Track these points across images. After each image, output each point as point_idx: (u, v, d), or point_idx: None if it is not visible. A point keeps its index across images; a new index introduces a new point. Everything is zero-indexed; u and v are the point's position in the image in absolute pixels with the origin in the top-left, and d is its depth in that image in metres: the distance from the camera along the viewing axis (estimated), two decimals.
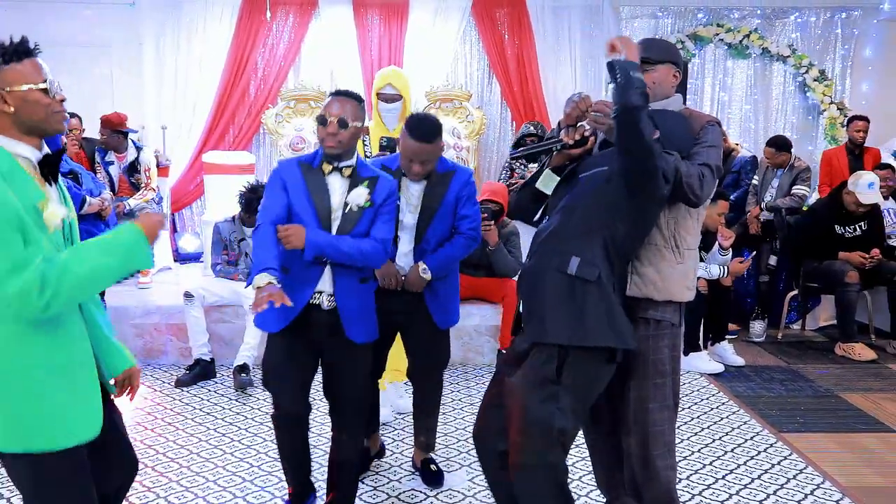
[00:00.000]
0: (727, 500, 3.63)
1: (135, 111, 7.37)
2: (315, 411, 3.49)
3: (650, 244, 2.81)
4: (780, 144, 7.11)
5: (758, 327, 6.66)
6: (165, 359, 5.83)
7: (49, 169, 2.16)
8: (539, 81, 8.17)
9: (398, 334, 3.80)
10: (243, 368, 5.21)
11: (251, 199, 5.26)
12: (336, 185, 3.13)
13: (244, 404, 4.94)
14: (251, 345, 5.26)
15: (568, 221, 2.65)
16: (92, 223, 4.78)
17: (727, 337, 6.06)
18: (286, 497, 3.46)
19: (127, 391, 2.41)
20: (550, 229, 2.69)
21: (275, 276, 2.86)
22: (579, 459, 3.98)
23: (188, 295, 5.46)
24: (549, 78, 8.22)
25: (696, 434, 4.45)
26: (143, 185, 6.70)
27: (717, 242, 5.78)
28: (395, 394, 4.78)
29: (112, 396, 2.37)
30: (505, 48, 8.25)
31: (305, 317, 3.09)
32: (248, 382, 5.16)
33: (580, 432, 2.92)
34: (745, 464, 4.05)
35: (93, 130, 6.83)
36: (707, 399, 5.07)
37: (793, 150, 7.27)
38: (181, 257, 8.09)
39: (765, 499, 3.65)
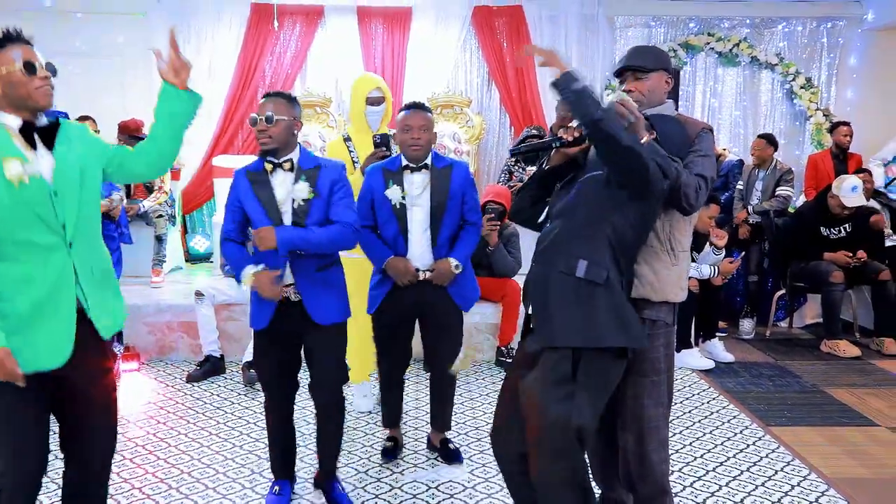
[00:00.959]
0: (717, 490, 3.64)
1: (147, 117, 7.35)
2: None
3: (646, 246, 2.80)
4: (771, 139, 7.14)
5: (747, 325, 6.67)
6: (177, 355, 5.84)
7: (28, 135, 2.38)
8: (537, 88, 8.17)
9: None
10: (251, 365, 5.22)
11: None
12: (280, 180, 3.19)
13: (252, 399, 4.94)
14: None
15: (571, 224, 2.59)
16: (103, 224, 4.77)
17: (717, 334, 6.07)
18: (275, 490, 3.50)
19: None
20: (554, 233, 2.63)
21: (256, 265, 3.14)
22: None
23: (199, 294, 5.47)
24: (546, 84, 8.17)
25: (687, 428, 4.45)
26: (156, 188, 6.71)
27: (708, 243, 5.79)
28: (360, 392, 4.73)
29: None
30: (504, 56, 8.25)
31: (280, 311, 3.23)
32: (256, 378, 5.17)
33: None
34: (734, 456, 4.05)
35: (106, 136, 6.83)
36: (698, 394, 5.08)
37: (778, 152, 7.29)
38: (192, 257, 8.09)
39: (753, 489, 3.65)
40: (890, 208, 7.24)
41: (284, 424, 3.48)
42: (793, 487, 3.68)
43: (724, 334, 6.41)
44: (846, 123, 7.53)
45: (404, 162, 3.66)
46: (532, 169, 7.31)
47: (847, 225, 6.45)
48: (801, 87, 8.37)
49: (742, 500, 3.54)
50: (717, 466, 3.92)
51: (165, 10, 8.07)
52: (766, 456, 4.07)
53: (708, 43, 8.37)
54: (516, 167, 7.23)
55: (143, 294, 6.15)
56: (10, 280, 2.36)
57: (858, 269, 6.35)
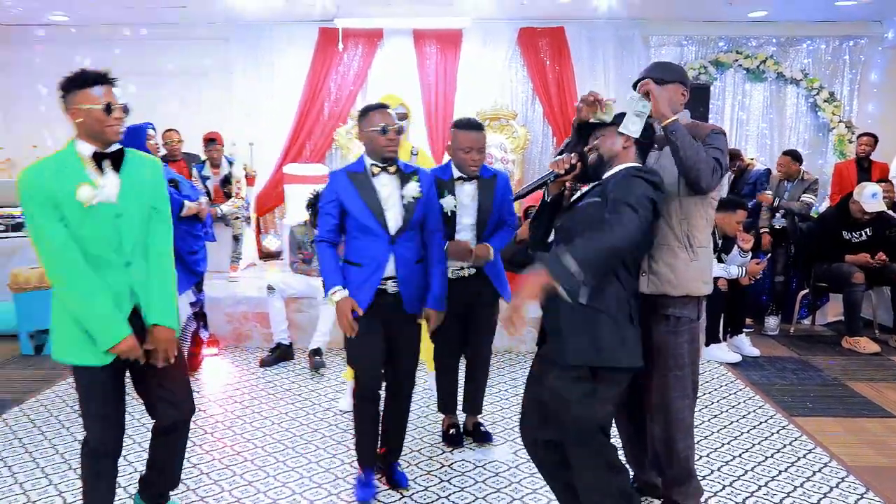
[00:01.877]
0: (743, 475, 3.57)
1: (224, 130, 7.52)
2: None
3: (663, 245, 2.77)
4: (795, 155, 7.00)
5: (772, 322, 6.55)
6: (251, 343, 5.93)
7: (100, 161, 2.51)
8: (577, 102, 8.10)
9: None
10: (317, 352, 5.28)
11: (317, 205, 5.32)
12: (384, 182, 3.17)
13: (318, 382, 5.00)
14: (323, 332, 5.31)
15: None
16: (191, 224, 4.88)
17: (744, 330, 5.96)
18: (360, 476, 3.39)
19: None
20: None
21: (343, 287, 3.10)
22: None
23: (270, 288, 5.55)
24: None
25: (715, 416, 4.38)
26: (233, 194, 6.83)
27: (736, 246, 5.71)
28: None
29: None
30: (547, 73, 8.22)
31: (376, 301, 3.14)
32: (321, 364, 5.24)
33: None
34: (758, 444, 3.97)
35: (190, 146, 6.98)
36: (726, 386, 4.99)
37: (803, 163, 7.14)
38: (265, 255, 8.21)
39: (776, 475, 3.58)
40: None
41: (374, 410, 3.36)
42: (814, 474, 3.60)
43: (750, 330, 6.29)
44: (868, 134, 7.35)
45: (456, 173, 3.66)
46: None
47: (868, 229, 6.33)
48: (825, 101, 8.21)
49: (766, 485, 3.47)
50: (742, 453, 3.85)
51: (244, 34, 8.22)
52: (789, 444, 3.98)
53: (736, 60, 8.25)
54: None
55: (222, 287, 6.26)
56: (95, 283, 2.50)
57: (878, 270, 6.23)
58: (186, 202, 5.09)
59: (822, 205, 7.66)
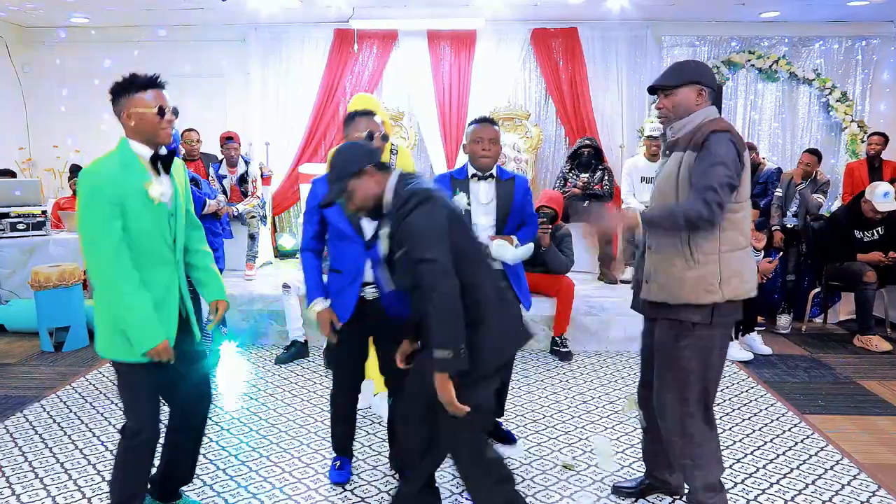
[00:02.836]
0: (755, 472, 3.55)
1: (242, 130, 7.55)
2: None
3: (661, 253, 2.76)
4: (819, 154, 7.01)
5: (784, 320, 6.50)
6: (267, 340, 5.95)
7: (157, 163, 2.60)
8: (590, 102, 8.09)
9: None
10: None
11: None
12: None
13: (331, 379, 4.99)
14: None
15: None
16: (210, 222, 4.92)
17: (756, 329, 5.92)
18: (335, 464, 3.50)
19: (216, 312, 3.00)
20: None
21: (325, 298, 3.19)
22: (623, 435, 3.94)
23: (286, 286, 5.56)
24: (599, 99, 8.13)
25: (727, 414, 4.35)
26: (250, 192, 6.85)
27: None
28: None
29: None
30: (560, 73, 8.18)
31: (358, 307, 3.18)
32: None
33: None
34: (771, 441, 3.95)
35: (208, 146, 7.00)
36: (738, 384, 4.96)
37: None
38: (280, 254, 8.23)
39: (789, 472, 3.55)
40: None
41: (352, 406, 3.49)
42: (826, 471, 3.57)
43: (762, 329, 6.25)
44: (878, 133, 7.30)
45: (471, 171, 3.65)
46: (585, 176, 7.26)
47: (879, 228, 6.29)
48: (837, 101, 8.13)
49: (778, 482, 3.45)
50: (754, 450, 3.82)
51: (261, 36, 8.25)
52: (801, 441, 3.95)
53: (749, 60, 8.18)
54: (571, 174, 7.18)
55: (239, 285, 6.28)
56: (139, 286, 2.57)
57: (890, 268, 6.18)
58: (207, 200, 5.13)
59: (833, 204, 7.59)
